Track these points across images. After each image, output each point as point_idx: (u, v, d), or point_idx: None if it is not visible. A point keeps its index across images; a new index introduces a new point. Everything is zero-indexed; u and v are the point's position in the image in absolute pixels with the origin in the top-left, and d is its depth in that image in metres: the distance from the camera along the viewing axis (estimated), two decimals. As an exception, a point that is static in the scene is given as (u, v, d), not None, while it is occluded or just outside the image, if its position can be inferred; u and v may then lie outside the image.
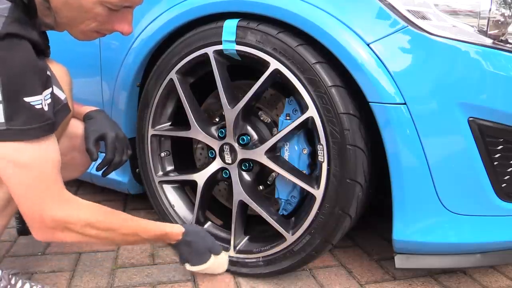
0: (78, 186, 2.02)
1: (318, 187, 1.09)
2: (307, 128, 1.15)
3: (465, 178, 1.00)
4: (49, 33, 1.06)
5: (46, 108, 0.86)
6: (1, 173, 0.87)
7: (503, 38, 0.97)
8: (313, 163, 1.18)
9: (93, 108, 1.18)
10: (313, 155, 1.17)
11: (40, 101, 0.84)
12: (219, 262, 1.23)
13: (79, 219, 0.93)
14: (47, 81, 0.89)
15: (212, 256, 1.21)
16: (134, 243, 1.19)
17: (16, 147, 0.83)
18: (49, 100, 0.88)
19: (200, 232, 1.22)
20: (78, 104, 1.18)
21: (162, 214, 1.41)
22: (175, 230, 1.15)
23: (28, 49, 0.84)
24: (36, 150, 0.85)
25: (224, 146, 1.25)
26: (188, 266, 1.21)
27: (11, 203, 0.98)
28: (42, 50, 0.90)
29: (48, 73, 0.91)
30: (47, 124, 0.86)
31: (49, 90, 0.89)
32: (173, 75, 1.28)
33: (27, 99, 0.82)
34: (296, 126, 1.11)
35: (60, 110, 0.95)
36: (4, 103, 0.80)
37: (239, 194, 1.23)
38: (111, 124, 1.16)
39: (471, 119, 0.96)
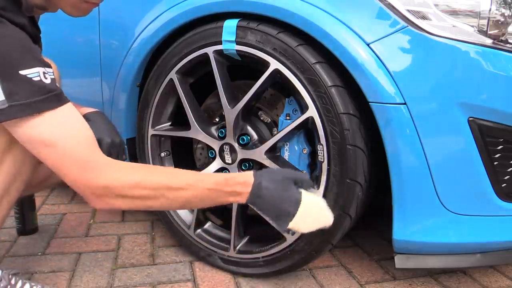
0: (78, 186, 2.02)
1: (318, 187, 1.09)
2: (307, 128, 1.15)
3: (465, 178, 1.00)
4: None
5: (46, 81, 0.84)
6: (34, 153, 0.86)
7: (503, 38, 0.97)
8: (313, 163, 1.18)
9: (92, 110, 1.16)
10: (313, 155, 1.17)
11: (37, 73, 0.82)
12: (310, 205, 0.99)
13: (125, 181, 0.88)
14: (42, 61, 0.87)
15: (302, 201, 0.97)
16: (192, 201, 0.95)
17: (30, 124, 0.82)
18: (49, 75, 0.86)
19: (276, 175, 1.00)
20: (76, 104, 1.17)
21: (162, 214, 1.41)
22: (240, 178, 0.97)
23: (16, 30, 0.83)
24: (53, 123, 0.84)
25: (224, 146, 1.25)
26: (291, 224, 0.97)
27: (9, 191, 0.96)
28: (32, 37, 0.89)
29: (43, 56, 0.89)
30: (53, 95, 0.84)
31: (48, 69, 0.86)
32: (173, 75, 1.28)
33: (22, 72, 0.81)
34: (296, 126, 1.11)
35: None
36: (0, 81, 0.79)
37: (239, 194, 1.23)
38: (108, 129, 1.13)
39: (471, 119, 0.96)
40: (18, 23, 0.85)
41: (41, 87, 0.83)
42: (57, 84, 0.89)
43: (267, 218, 1.00)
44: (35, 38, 0.95)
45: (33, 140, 0.84)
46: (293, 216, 0.96)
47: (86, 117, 1.13)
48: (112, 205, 0.90)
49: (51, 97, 0.84)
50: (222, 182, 0.95)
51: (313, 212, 0.98)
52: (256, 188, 0.95)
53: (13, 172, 0.94)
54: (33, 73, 0.82)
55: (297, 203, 0.96)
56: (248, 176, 0.96)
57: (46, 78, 0.84)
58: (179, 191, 0.92)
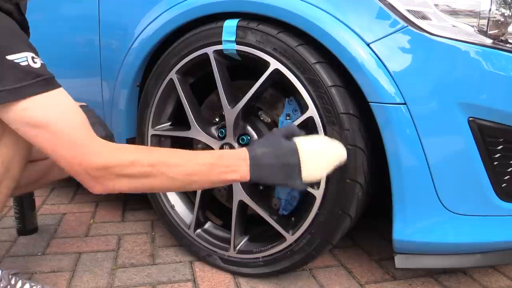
0: (78, 186, 2.02)
1: (318, 187, 1.09)
2: (307, 128, 1.15)
3: (465, 178, 1.00)
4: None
5: (35, 66, 0.84)
6: (28, 139, 0.86)
7: (503, 38, 0.97)
8: (313, 163, 1.18)
9: (78, 104, 1.14)
10: (313, 155, 1.17)
11: (24, 58, 0.83)
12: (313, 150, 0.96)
13: (122, 159, 0.87)
14: (30, 46, 0.86)
15: (299, 155, 0.94)
16: (193, 178, 0.92)
17: (21, 108, 0.82)
18: (39, 60, 0.86)
19: (266, 140, 0.99)
20: None
21: (162, 214, 1.40)
22: (235, 153, 0.97)
23: (4, 16, 0.83)
24: (45, 105, 0.84)
25: (224, 146, 1.25)
26: (304, 176, 0.94)
27: (10, 171, 0.96)
28: (19, 24, 0.89)
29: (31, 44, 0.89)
30: (43, 79, 0.84)
31: (37, 56, 0.86)
32: (173, 75, 1.28)
33: (9, 57, 0.81)
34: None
35: None
36: None
37: (239, 194, 1.23)
38: (97, 122, 1.12)
39: (471, 119, 0.96)
40: (6, 10, 0.85)
41: (29, 72, 0.83)
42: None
43: (280, 187, 0.98)
44: (23, 25, 0.95)
45: (25, 123, 0.83)
46: (298, 166, 0.94)
47: None
48: (112, 187, 0.88)
49: (40, 82, 0.84)
50: (218, 156, 0.95)
51: (317, 153, 0.96)
52: (253, 159, 0.94)
53: (1, 171, 0.94)
54: (21, 58, 0.82)
55: (293, 152, 0.95)
56: (242, 151, 0.96)
57: (35, 63, 0.84)
58: (177, 167, 0.91)
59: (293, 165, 0.94)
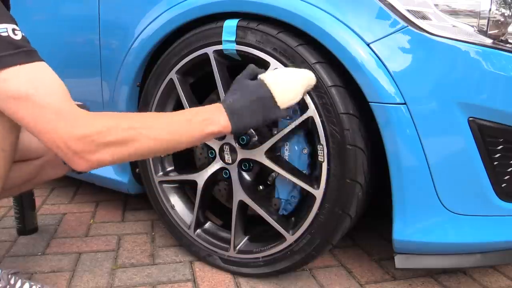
0: (78, 186, 2.02)
1: (318, 187, 1.09)
2: (307, 128, 1.15)
3: (465, 178, 1.00)
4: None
5: (16, 37, 0.82)
6: (11, 115, 0.84)
7: (503, 38, 0.97)
8: (313, 163, 1.18)
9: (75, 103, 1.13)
10: (313, 155, 1.17)
11: (4, 29, 0.81)
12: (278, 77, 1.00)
13: (98, 126, 0.84)
14: (10, 18, 0.85)
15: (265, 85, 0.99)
16: (175, 137, 0.93)
17: (3, 77, 0.80)
18: (20, 33, 0.84)
19: (232, 87, 1.02)
20: None
21: (162, 214, 1.41)
22: (209, 107, 0.98)
23: None
24: (24, 77, 0.81)
25: (224, 146, 1.25)
26: (279, 103, 0.99)
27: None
28: None
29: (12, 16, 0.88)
30: (23, 51, 0.83)
31: (17, 27, 0.85)
32: (173, 75, 1.28)
33: None
34: (296, 126, 1.11)
35: None
36: None
37: (239, 194, 1.23)
38: None
39: (471, 119, 0.96)
40: None
41: (9, 42, 0.81)
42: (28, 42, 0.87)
43: (262, 126, 1.02)
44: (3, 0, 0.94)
45: (5, 96, 0.81)
46: (270, 96, 0.97)
47: None
48: (96, 160, 0.85)
49: (20, 53, 0.82)
50: (195, 112, 0.96)
51: (284, 79, 1.00)
52: (228, 107, 0.96)
53: None
54: (1, 29, 0.81)
55: (261, 85, 0.99)
56: (215, 105, 0.98)
57: (16, 35, 0.83)
58: (157, 128, 0.90)
59: (265, 97, 0.98)
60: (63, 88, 0.86)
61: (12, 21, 0.85)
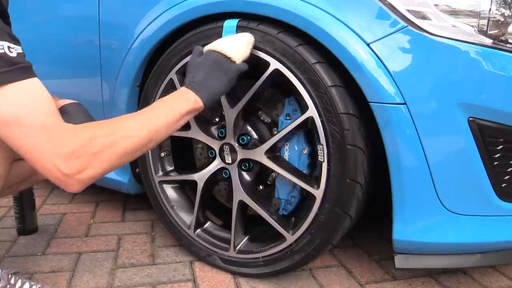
0: (78, 186, 2.02)
1: (318, 187, 1.09)
2: (307, 128, 1.15)
3: (465, 178, 1.00)
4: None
5: (11, 55, 0.83)
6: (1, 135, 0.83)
7: (503, 38, 0.97)
8: (313, 163, 1.18)
9: (68, 101, 1.10)
10: (313, 155, 1.17)
11: (1, 46, 0.82)
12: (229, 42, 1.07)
13: (81, 140, 0.84)
14: (10, 36, 0.86)
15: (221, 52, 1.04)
16: (152, 126, 0.93)
17: None
18: (15, 50, 0.84)
19: (188, 65, 1.07)
20: (54, 96, 1.13)
21: (162, 214, 1.41)
22: (173, 94, 1.02)
23: None
24: (13, 97, 0.81)
25: (224, 146, 1.25)
26: (235, 58, 1.05)
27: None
28: None
29: (11, 33, 0.88)
30: (19, 67, 0.83)
31: (17, 46, 0.85)
32: (173, 75, 1.28)
33: None
34: (296, 126, 1.11)
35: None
36: None
37: (239, 194, 1.23)
38: (87, 120, 1.07)
39: (471, 119, 0.96)
40: None
41: (5, 60, 0.82)
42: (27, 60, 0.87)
43: (230, 88, 1.06)
44: (3, 15, 0.94)
45: None
46: (223, 55, 1.04)
47: (63, 109, 1.08)
48: (88, 176, 0.84)
49: (15, 70, 0.82)
50: (162, 101, 1.00)
51: (229, 40, 1.07)
52: (190, 84, 1.01)
53: None
54: None
55: (211, 53, 1.05)
56: (180, 89, 1.02)
57: (11, 52, 0.83)
58: (134, 124, 0.91)
59: (218, 58, 1.03)
60: (50, 105, 0.86)
61: (9, 38, 0.85)
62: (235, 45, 1.06)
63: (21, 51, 0.86)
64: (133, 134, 0.90)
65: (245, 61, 1.08)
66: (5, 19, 0.95)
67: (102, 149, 0.85)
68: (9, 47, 0.84)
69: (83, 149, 0.83)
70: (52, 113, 0.85)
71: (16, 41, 0.86)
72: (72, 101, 1.11)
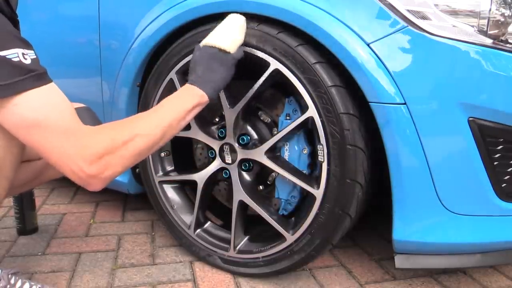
0: (78, 186, 2.02)
1: (318, 187, 1.09)
2: (307, 128, 1.15)
3: (465, 178, 1.00)
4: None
5: (26, 61, 0.84)
6: (21, 139, 0.86)
7: (503, 38, 0.97)
8: (313, 163, 1.18)
9: (78, 105, 1.13)
10: (313, 155, 1.17)
11: (15, 54, 0.83)
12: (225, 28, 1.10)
13: (104, 142, 0.88)
14: (21, 42, 0.86)
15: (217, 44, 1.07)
16: (164, 124, 0.97)
17: (11, 105, 0.82)
18: (29, 56, 0.86)
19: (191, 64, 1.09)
20: None
21: (162, 214, 1.41)
22: (178, 91, 1.07)
23: None
24: (34, 103, 0.83)
25: (224, 146, 1.25)
26: (230, 48, 1.07)
27: (2, 171, 0.95)
28: (10, 20, 0.89)
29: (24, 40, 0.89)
30: (34, 75, 0.84)
31: (29, 50, 0.86)
32: (173, 75, 1.28)
33: (1, 53, 0.81)
34: (296, 126, 1.11)
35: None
36: None
37: (239, 194, 1.23)
38: (94, 124, 1.11)
39: (471, 119, 0.96)
40: None
41: (21, 68, 0.83)
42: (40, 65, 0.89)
43: (230, 78, 1.09)
44: (13, 21, 0.95)
45: (16, 120, 0.83)
46: (219, 48, 1.05)
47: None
48: (109, 176, 0.89)
49: (30, 78, 0.84)
50: (169, 100, 1.02)
51: (220, 31, 1.08)
52: (193, 80, 1.04)
53: None
54: (12, 54, 0.82)
55: (206, 47, 1.07)
56: (184, 86, 1.05)
57: (25, 59, 0.84)
58: (145, 123, 0.95)
59: (214, 52, 1.06)
60: (70, 109, 0.89)
61: (22, 44, 0.86)
62: (227, 36, 1.08)
63: (35, 56, 0.87)
64: (147, 132, 0.94)
65: (241, 49, 1.10)
66: (15, 24, 0.97)
67: (121, 149, 0.89)
68: (23, 54, 0.85)
69: (104, 151, 0.87)
70: (72, 117, 0.89)
71: (28, 46, 0.87)
72: (82, 105, 1.14)
